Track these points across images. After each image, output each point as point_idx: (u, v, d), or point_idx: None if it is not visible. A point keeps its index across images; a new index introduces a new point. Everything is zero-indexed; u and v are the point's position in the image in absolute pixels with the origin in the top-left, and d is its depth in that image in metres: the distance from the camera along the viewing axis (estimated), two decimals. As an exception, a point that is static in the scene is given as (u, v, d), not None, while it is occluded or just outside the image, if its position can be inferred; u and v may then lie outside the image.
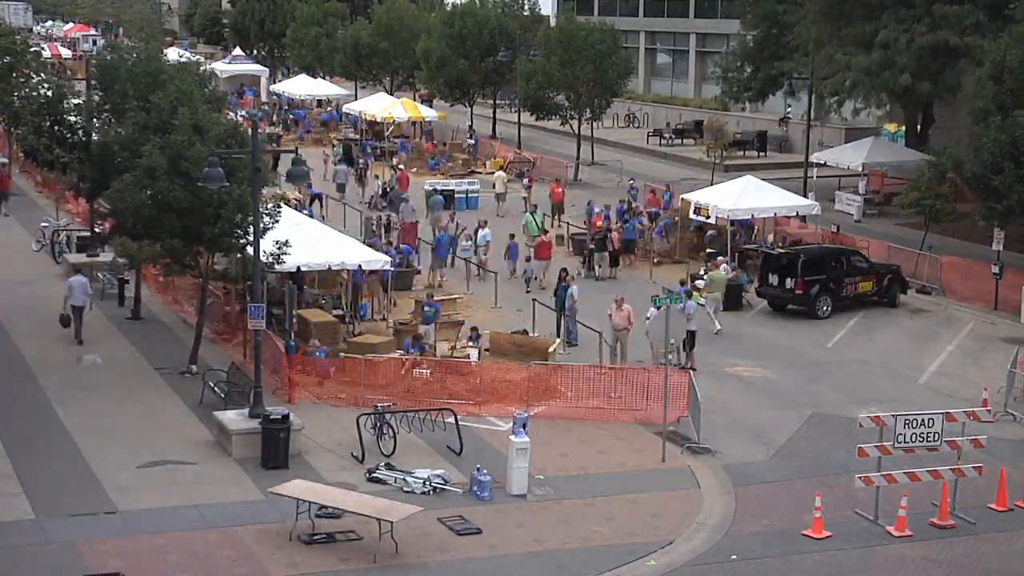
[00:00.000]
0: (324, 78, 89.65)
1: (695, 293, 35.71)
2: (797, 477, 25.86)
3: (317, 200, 49.84)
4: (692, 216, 44.01)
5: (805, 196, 48.07)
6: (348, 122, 76.08)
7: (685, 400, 28.38)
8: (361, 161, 60.55)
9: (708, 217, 43.10)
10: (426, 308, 33.43)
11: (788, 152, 66.95)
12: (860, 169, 54.14)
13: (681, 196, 48.30)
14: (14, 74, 50.46)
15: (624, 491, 24.71)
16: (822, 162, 56.21)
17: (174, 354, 32.11)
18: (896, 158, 54.92)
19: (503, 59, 71.97)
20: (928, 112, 56.64)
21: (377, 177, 56.50)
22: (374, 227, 44.86)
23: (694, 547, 22.51)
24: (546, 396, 29.28)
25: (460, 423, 26.56)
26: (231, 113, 40.20)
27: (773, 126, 70.04)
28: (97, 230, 39.71)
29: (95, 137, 35.41)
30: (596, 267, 41.92)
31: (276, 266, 30.13)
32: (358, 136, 71.42)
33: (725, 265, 39.21)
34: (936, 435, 23.70)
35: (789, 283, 37.90)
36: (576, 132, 65.53)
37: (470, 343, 32.16)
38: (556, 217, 49.94)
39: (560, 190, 51.72)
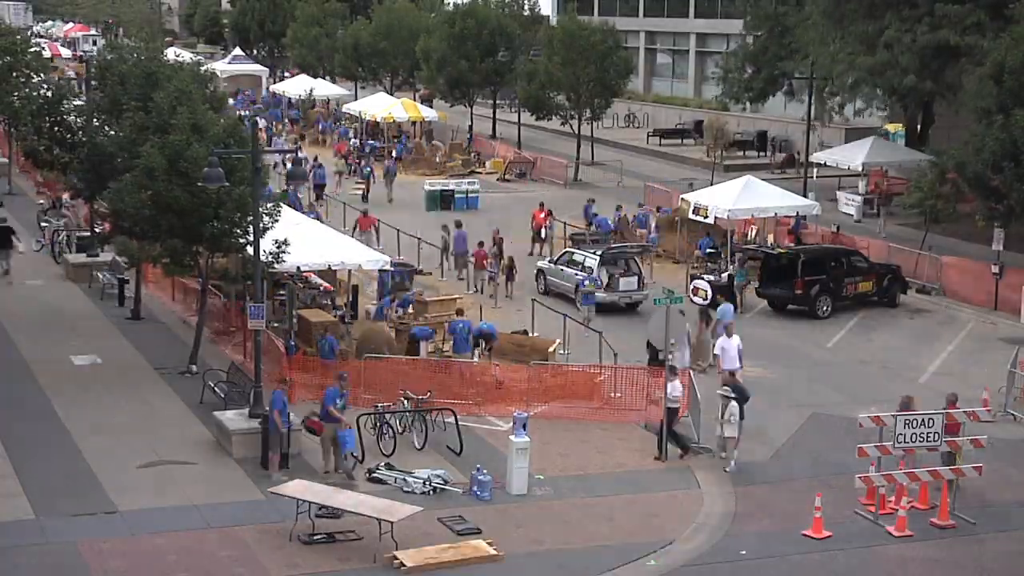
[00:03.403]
0: (324, 78, 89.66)
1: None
2: (797, 477, 25.86)
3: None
4: (692, 216, 43.98)
5: (805, 196, 48.10)
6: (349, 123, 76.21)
7: (685, 400, 28.37)
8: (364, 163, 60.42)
9: (707, 217, 43.09)
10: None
11: (788, 152, 66.93)
12: (860, 169, 54.15)
13: (681, 196, 48.30)
14: (14, 74, 50.50)
15: (624, 491, 24.72)
16: (822, 162, 56.23)
17: (174, 354, 32.12)
18: (896, 158, 54.93)
19: (503, 59, 72.01)
20: (928, 112, 56.64)
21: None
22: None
23: (694, 547, 22.52)
24: (546, 396, 29.25)
25: (460, 423, 26.56)
26: (242, 114, 40.20)
27: (773, 126, 70.03)
28: (97, 230, 39.72)
29: (95, 137, 35.41)
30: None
31: (276, 265, 30.10)
32: (358, 137, 71.50)
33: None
34: (936, 435, 23.71)
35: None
36: (576, 132, 65.54)
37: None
38: (538, 245, 45.22)
39: (543, 215, 45.88)
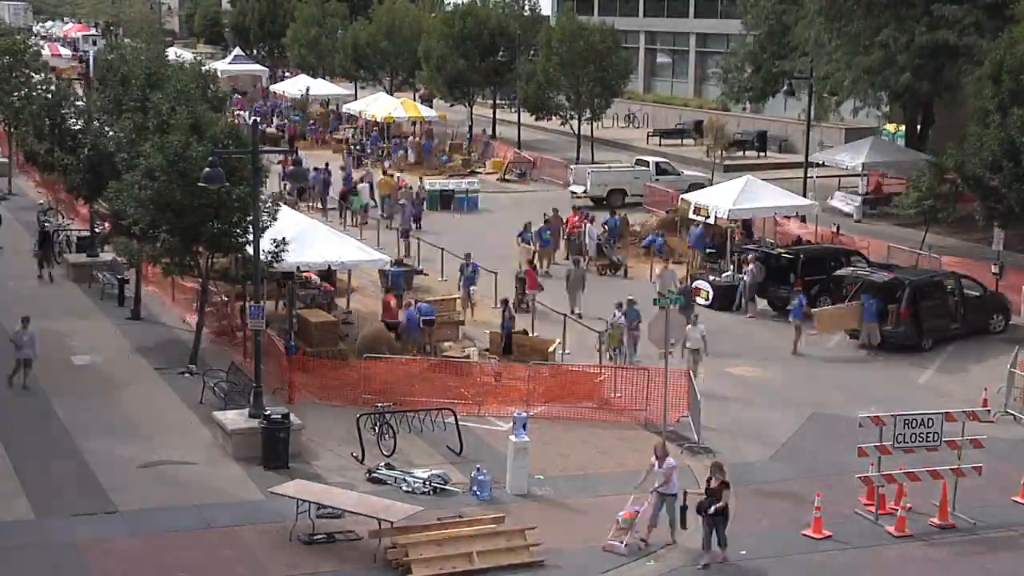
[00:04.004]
0: (324, 78, 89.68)
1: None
2: (797, 477, 25.87)
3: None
4: (692, 216, 44.01)
5: (805, 196, 48.11)
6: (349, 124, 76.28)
7: (685, 400, 28.40)
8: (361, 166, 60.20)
9: (708, 217, 43.11)
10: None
11: (788, 152, 67.00)
12: (860, 169, 54.15)
13: (681, 196, 48.36)
14: (14, 74, 50.51)
15: (624, 491, 24.67)
16: (821, 162, 56.22)
17: (174, 354, 32.12)
18: (896, 158, 54.93)
19: (503, 59, 72.07)
20: (928, 112, 56.64)
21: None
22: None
23: (694, 547, 22.50)
24: (546, 396, 29.24)
25: (460, 423, 26.56)
26: (240, 114, 40.15)
27: (773, 126, 70.05)
28: (97, 230, 39.72)
29: (96, 138, 35.39)
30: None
31: (275, 265, 30.09)
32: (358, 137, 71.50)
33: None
34: (936, 435, 23.72)
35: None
36: (576, 132, 65.54)
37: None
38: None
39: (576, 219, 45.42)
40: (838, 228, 46.15)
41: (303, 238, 32.02)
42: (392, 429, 26.19)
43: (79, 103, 38.45)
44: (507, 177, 62.62)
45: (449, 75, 73.18)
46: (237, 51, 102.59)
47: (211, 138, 29.21)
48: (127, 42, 40.35)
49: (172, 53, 58.81)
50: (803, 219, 46.30)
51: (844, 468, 25.41)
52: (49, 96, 37.81)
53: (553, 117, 68.40)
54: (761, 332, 36.59)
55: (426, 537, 21.44)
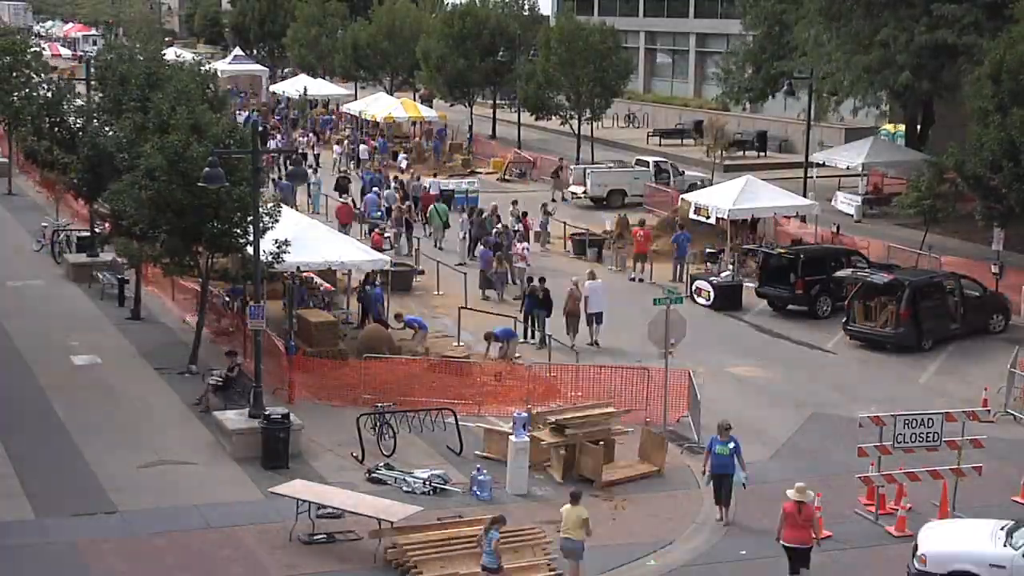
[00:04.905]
0: (324, 78, 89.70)
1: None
2: (797, 477, 25.79)
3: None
4: (692, 216, 44.01)
5: (805, 196, 48.13)
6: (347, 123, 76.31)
7: (685, 400, 28.39)
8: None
9: (708, 217, 43.12)
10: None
11: (788, 152, 67.00)
12: (860, 169, 54.17)
13: (681, 196, 48.36)
14: (14, 74, 50.46)
15: (624, 491, 24.71)
16: (821, 162, 56.23)
17: (174, 354, 32.11)
18: (896, 158, 54.94)
19: (503, 59, 72.12)
20: (928, 112, 56.66)
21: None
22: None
23: (694, 547, 22.54)
24: (547, 396, 29.25)
25: (460, 423, 26.56)
26: (240, 115, 40.05)
27: (773, 126, 70.05)
28: (97, 230, 39.71)
29: (95, 137, 35.37)
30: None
31: (276, 265, 30.09)
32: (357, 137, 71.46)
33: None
34: (936, 435, 23.72)
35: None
36: (576, 132, 65.56)
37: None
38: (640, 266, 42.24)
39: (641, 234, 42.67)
40: (838, 228, 46.14)
41: (303, 238, 31.99)
42: (392, 429, 26.20)
43: (78, 102, 38.42)
44: (507, 177, 62.61)
45: (449, 75, 73.19)
46: (237, 51, 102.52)
47: (212, 138, 29.19)
48: (124, 41, 40.22)
49: (172, 53, 58.69)
50: (803, 219, 46.30)
51: (844, 468, 25.42)
52: (50, 95, 37.78)
53: (553, 117, 68.42)
54: (761, 332, 36.59)
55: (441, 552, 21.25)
